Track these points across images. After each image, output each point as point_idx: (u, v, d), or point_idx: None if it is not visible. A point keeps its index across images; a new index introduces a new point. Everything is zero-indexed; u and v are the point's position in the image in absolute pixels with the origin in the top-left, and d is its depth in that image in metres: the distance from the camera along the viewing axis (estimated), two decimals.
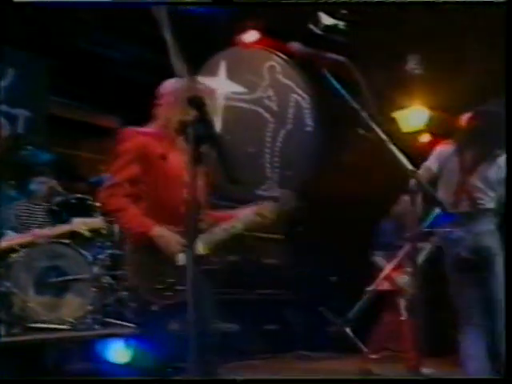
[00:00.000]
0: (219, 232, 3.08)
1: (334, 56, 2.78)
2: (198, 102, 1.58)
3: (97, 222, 5.00)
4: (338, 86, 2.70)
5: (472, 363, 3.94)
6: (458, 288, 4.09)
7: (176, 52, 1.71)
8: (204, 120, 1.57)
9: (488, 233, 4.08)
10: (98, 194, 3.08)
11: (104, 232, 5.70)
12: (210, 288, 3.06)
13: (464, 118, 4.40)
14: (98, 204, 3.79)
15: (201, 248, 2.89)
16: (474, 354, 3.95)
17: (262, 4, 7.26)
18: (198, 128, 1.55)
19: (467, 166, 4.18)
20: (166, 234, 2.90)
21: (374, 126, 2.68)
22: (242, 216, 3.25)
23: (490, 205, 4.11)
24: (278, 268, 7.97)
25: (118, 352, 5.71)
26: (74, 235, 5.18)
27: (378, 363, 6.09)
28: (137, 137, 3.09)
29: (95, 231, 5.19)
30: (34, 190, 5.61)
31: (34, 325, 5.03)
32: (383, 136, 2.68)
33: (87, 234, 5.06)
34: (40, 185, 5.64)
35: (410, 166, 2.68)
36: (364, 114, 2.67)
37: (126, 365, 5.68)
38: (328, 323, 7.78)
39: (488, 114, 4.27)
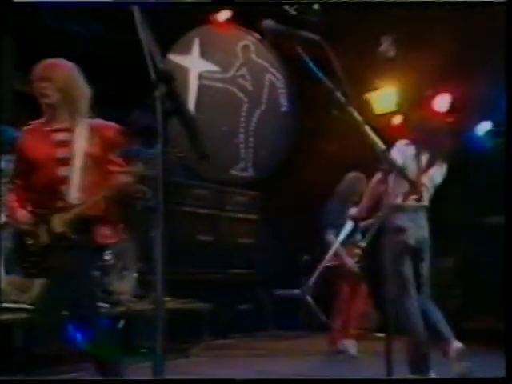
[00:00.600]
0: (76, 209, 3.16)
1: (308, 34, 2.73)
2: (166, 76, 1.52)
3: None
4: (312, 65, 2.66)
5: (415, 325, 4.46)
6: (397, 267, 4.51)
7: (145, 29, 1.65)
8: (173, 94, 1.52)
9: (426, 226, 4.68)
10: None
11: None
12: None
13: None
14: None
15: (56, 226, 3.13)
16: (414, 318, 4.49)
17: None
18: (166, 103, 1.50)
19: (423, 166, 4.64)
20: (25, 218, 3.17)
21: (347, 106, 2.65)
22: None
23: (426, 203, 4.69)
24: (251, 248, 7.95)
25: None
26: None
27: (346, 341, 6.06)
28: (18, 139, 3.39)
29: None
30: (2, 169, 5.49)
31: (4, 305, 4.93)
32: (356, 116, 2.65)
33: None
34: (9, 163, 5.51)
35: (382, 146, 2.65)
36: (337, 94, 2.64)
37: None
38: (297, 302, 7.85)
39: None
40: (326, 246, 6.21)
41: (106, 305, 5.53)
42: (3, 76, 6.68)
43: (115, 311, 5.62)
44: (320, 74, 2.62)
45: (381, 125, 7.65)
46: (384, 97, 8.41)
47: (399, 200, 4.63)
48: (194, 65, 7.58)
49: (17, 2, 3.07)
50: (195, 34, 7.65)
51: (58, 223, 3.14)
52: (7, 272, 5.06)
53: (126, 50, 6.90)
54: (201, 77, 7.64)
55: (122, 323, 5.83)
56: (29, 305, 5.05)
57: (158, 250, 1.75)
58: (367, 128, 2.63)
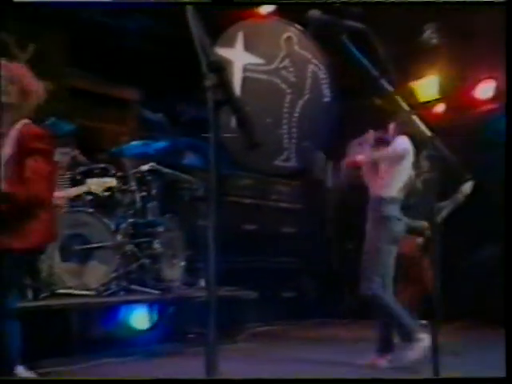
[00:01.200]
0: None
1: (353, 23, 2.71)
2: (217, 67, 1.53)
3: (110, 181, 4.97)
4: (358, 54, 2.64)
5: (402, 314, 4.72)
6: (387, 257, 4.77)
7: (196, 22, 1.66)
8: (223, 84, 1.53)
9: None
10: None
11: (121, 195, 5.77)
12: None
13: None
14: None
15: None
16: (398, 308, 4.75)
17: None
18: (217, 93, 1.51)
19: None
20: None
21: (394, 94, 2.62)
22: None
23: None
24: (295, 237, 7.95)
25: (141, 318, 5.77)
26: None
27: None
28: None
29: (109, 190, 5.20)
30: (57, 160, 5.60)
31: (60, 290, 5.08)
32: (402, 103, 2.63)
33: (102, 193, 5.06)
34: (63, 155, 5.63)
35: (428, 132, 2.62)
36: (383, 82, 2.61)
37: (148, 330, 5.74)
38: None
39: None
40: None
41: (157, 291, 5.63)
42: (58, 72, 6.80)
43: (166, 298, 5.70)
44: (366, 62, 2.60)
45: (424, 112, 7.67)
46: (427, 85, 8.31)
47: (395, 190, 4.81)
48: (238, 58, 7.58)
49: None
50: (239, 28, 7.64)
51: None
52: (63, 259, 5.18)
53: (175, 44, 7.04)
54: (245, 69, 7.63)
55: (171, 309, 5.91)
56: (82, 290, 5.19)
57: (210, 238, 1.76)
58: (413, 115, 2.61)
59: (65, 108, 6.60)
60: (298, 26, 7.83)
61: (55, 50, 6.82)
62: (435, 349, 2.66)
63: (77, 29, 6.71)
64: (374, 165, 4.94)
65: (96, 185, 4.91)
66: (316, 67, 8.02)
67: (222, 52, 7.51)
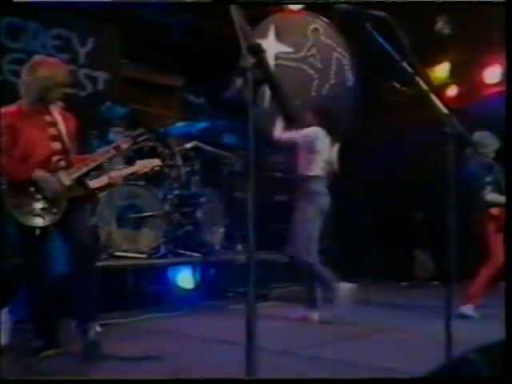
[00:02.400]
0: (75, 170, 3.46)
1: (376, 12, 2.63)
2: (256, 49, 1.48)
3: (155, 162, 4.94)
4: (381, 40, 2.56)
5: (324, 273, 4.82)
6: (313, 226, 4.91)
7: (237, 12, 1.61)
8: (262, 64, 1.48)
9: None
10: None
11: (169, 170, 5.76)
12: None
13: None
14: None
15: (66, 180, 3.39)
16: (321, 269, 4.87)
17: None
18: (256, 73, 1.47)
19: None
20: (42, 175, 3.34)
21: (414, 76, 2.55)
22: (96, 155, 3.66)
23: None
24: None
25: (186, 278, 5.79)
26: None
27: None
28: (6, 119, 3.37)
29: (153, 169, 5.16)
30: (112, 139, 5.61)
31: (116, 253, 5.13)
32: (422, 84, 2.55)
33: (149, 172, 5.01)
34: (117, 134, 5.63)
35: (445, 111, 2.54)
36: (405, 65, 2.53)
37: (192, 289, 5.76)
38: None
39: None
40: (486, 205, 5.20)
41: (200, 255, 5.64)
42: (113, 64, 6.81)
43: (207, 260, 5.72)
44: (388, 47, 2.52)
45: (438, 95, 7.51)
46: (440, 70, 8.16)
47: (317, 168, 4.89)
48: (270, 47, 7.50)
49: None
50: (271, 21, 7.58)
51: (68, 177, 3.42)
52: (119, 226, 5.22)
53: (213, 36, 6.99)
54: (276, 57, 7.57)
55: (212, 271, 5.93)
56: (135, 253, 5.23)
57: (249, 208, 1.72)
58: (432, 95, 2.53)
59: (119, 94, 6.64)
60: (324, 19, 7.73)
61: (111, 44, 6.82)
62: (449, 308, 2.57)
63: (129, 25, 6.68)
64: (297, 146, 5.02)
65: (143, 166, 4.86)
66: (340, 55, 7.89)
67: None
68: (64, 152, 3.48)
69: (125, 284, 5.09)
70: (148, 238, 5.33)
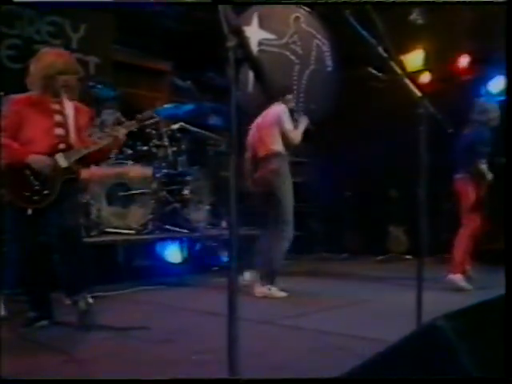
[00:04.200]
0: (75, 152, 3.40)
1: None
2: (237, 30, 1.45)
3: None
4: (358, 27, 2.53)
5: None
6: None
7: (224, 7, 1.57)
8: (243, 45, 1.45)
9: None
10: None
11: (156, 150, 5.70)
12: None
13: None
14: None
15: (62, 162, 3.34)
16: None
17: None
18: (238, 53, 1.43)
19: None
20: (38, 157, 3.30)
21: (389, 60, 2.52)
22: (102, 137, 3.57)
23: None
24: (304, 185, 7.90)
25: (173, 253, 5.77)
26: None
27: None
28: (14, 105, 3.37)
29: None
30: (104, 120, 5.55)
31: (107, 229, 5.09)
32: (396, 68, 2.52)
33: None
34: (108, 115, 5.56)
35: (418, 93, 2.53)
36: (380, 49, 2.51)
37: (180, 263, 5.75)
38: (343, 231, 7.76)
39: None
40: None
41: (186, 231, 5.61)
42: (104, 48, 6.71)
43: (193, 236, 5.69)
44: (365, 34, 2.49)
45: (412, 81, 7.51)
46: (413, 57, 8.16)
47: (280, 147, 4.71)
48: (254, 34, 7.44)
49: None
50: (255, 9, 7.52)
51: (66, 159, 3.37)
52: (109, 204, 5.17)
53: (201, 23, 6.88)
54: (260, 44, 7.52)
55: (198, 246, 5.91)
56: (125, 229, 5.18)
57: (232, 186, 1.70)
58: (406, 79, 2.51)
59: (109, 78, 6.55)
60: (305, 8, 7.69)
61: (102, 30, 6.71)
62: (420, 282, 2.59)
63: (120, 11, 6.56)
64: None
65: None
66: (320, 42, 7.86)
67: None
68: (66, 138, 3.42)
69: (115, 259, 5.07)
70: (137, 214, 5.28)
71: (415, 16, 8.03)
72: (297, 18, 7.79)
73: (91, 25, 6.57)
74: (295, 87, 7.65)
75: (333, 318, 3.86)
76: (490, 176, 4.98)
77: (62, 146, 3.38)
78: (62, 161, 3.34)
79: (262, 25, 7.59)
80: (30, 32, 6.09)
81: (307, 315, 3.91)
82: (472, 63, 7.74)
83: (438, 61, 8.04)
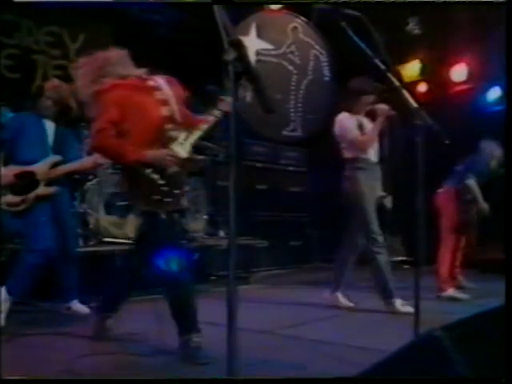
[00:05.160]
0: (192, 135, 2.94)
1: (351, 11, 2.64)
2: (237, 43, 1.47)
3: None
4: (355, 38, 2.57)
5: None
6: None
7: (223, 15, 1.60)
8: (242, 58, 1.47)
9: None
10: (92, 145, 3.00)
11: None
12: None
13: None
14: (92, 150, 3.32)
15: (182, 152, 2.87)
16: None
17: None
18: (237, 66, 1.46)
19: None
20: (156, 153, 2.84)
21: (386, 72, 2.56)
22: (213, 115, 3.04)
23: None
24: (301, 194, 7.93)
25: (171, 262, 5.74)
26: None
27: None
28: (115, 90, 2.94)
29: None
30: None
31: (105, 239, 5.11)
32: (394, 80, 2.56)
33: None
34: None
35: (415, 105, 2.56)
36: (377, 61, 2.54)
37: (177, 272, 5.71)
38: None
39: None
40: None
41: (183, 241, 5.59)
42: None
43: (191, 246, 5.69)
44: (362, 45, 2.53)
45: (409, 91, 7.58)
46: (411, 67, 8.23)
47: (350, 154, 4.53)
48: (252, 44, 7.50)
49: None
50: (253, 19, 7.59)
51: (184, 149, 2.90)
52: (107, 213, 5.18)
53: (199, 33, 6.92)
54: (258, 53, 7.58)
55: (196, 256, 5.90)
56: (123, 239, 5.18)
57: (231, 196, 1.73)
58: (403, 90, 2.54)
59: None
60: (303, 18, 7.76)
61: (100, 40, 6.75)
62: (417, 289, 2.61)
63: (118, 21, 6.62)
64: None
65: None
66: (317, 52, 7.94)
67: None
68: (173, 118, 2.96)
69: (112, 268, 5.05)
70: (134, 224, 5.27)
71: (412, 26, 8.10)
72: (295, 28, 7.87)
73: (89, 35, 6.65)
74: (293, 97, 7.72)
75: (331, 327, 3.88)
76: (478, 194, 4.95)
77: (174, 133, 2.91)
78: (180, 150, 2.88)
79: (260, 35, 7.65)
80: (28, 42, 6.17)
81: (304, 325, 3.91)
82: (469, 73, 7.82)
83: (434, 71, 8.11)
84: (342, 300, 4.57)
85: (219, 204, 6.16)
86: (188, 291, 3.11)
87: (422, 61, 8.21)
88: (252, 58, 7.55)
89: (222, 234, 6.29)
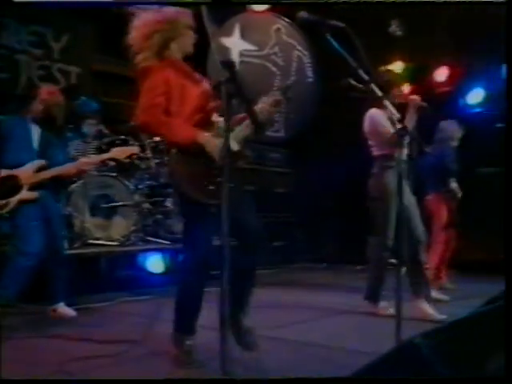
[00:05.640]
0: (243, 129, 2.84)
1: (335, 22, 2.70)
2: (229, 65, 1.55)
3: (132, 149, 4.80)
4: (339, 48, 2.64)
5: None
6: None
7: (212, 23, 1.67)
8: (234, 80, 1.54)
9: None
10: (139, 121, 2.75)
11: (139, 161, 5.75)
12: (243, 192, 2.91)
13: None
14: (140, 127, 2.93)
15: (233, 145, 2.69)
16: None
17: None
18: (229, 87, 1.53)
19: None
20: (210, 138, 2.68)
21: (368, 81, 2.64)
22: (259, 109, 2.84)
23: None
24: (285, 195, 8.01)
25: (156, 264, 5.81)
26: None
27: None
28: (160, 71, 2.80)
29: (130, 157, 5.01)
30: (85, 132, 5.59)
31: (90, 241, 5.13)
32: (377, 91, 2.64)
33: (125, 160, 4.79)
34: (90, 126, 5.60)
35: (398, 115, 2.65)
36: (360, 71, 2.62)
37: (161, 274, 5.79)
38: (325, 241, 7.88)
39: None
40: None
41: (168, 242, 5.67)
42: (85, 58, 6.77)
43: (175, 247, 5.74)
44: (347, 56, 2.60)
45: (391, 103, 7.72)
46: (394, 69, 8.33)
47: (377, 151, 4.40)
48: (235, 45, 7.57)
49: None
50: (236, 20, 7.64)
51: (235, 141, 2.78)
52: (92, 215, 5.21)
53: None
54: (241, 54, 7.64)
55: (180, 257, 5.95)
56: (108, 241, 5.23)
57: (224, 197, 1.79)
58: (385, 101, 2.64)
59: (90, 86, 6.60)
60: (286, 19, 7.82)
61: (83, 40, 6.79)
62: (398, 287, 2.66)
63: (101, 19, 6.58)
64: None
65: (119, 152, 4.73)
66: (300, 53, 8.01)
67: (223, 40, 7.48)
68: (217, 109, 2.78)
69: (98, 270, 5.11)
70: (119, 226, 5.33)
71: (394, 28, 8.21)
72: (278, 29, 7.93)
73: (73, 34, 6.64)
74: None
75: (314, 328, 3.93)
76: (459, 194, 5.25)
77: (219, 119, 2.74)
78: (233, 142, 2.68)
79: (244, 36, 7.70)
80: (11, 41, 6.13)
81: (288, 326, 3.96)
82: (450, 75, 7.96)
83: (416, 73, 8.23)
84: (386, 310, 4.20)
85: None
86: (200, 290, 2.84)
87: (404, 62, 8.32)
88: (235, 59, 7.62)
89: None
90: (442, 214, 5.31)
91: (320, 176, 7.90)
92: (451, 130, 5.39)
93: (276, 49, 7.90)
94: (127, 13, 6.85)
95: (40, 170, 3.93)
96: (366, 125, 4.44)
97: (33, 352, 3.20)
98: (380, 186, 4.26)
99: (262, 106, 2.86)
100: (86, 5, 5.52)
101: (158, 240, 5.66)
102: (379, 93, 2.62)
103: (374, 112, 4.37)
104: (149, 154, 5.79)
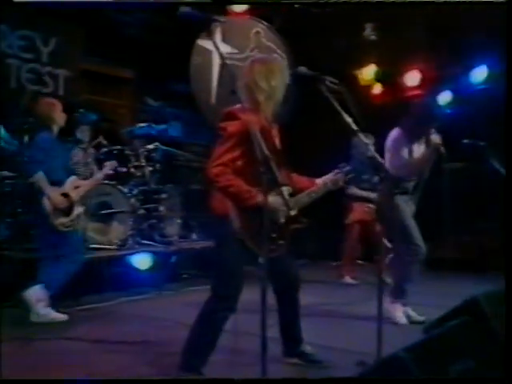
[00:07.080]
0: (305, 196, 3.17)
1: (333, 80, 3.21)
2: None
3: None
4: (336, 105, 3.03)
5: None
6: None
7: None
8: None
9: None
10: (210, 172, 2.85)
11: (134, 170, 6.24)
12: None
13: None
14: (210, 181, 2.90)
15: (294, 210, 2.98)
16: None
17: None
18: None
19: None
20: (270, 200, 2.71)
21: (357, 131, 3.15)
22: (322, 183, 3.30)
23: None
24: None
25: (142, 261, 6.27)
26: None
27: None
28: (241, 118, 2.90)
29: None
30: (80, 138, 5.94)
31: (90, 245, 5.57)
32: (362, 137, 3.15)
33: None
34: (84, 133, 5.93)
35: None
36: (349, 120, 3.11)
37: (156, 274, 6.20)
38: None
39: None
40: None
41: (162, 245, 6.20)
42: (73, 61, 7.09)
43: (169, 250, 6.25)
44: (341, 111, 3.10)
45: (365, 94, 8.29)
46: (367, 71, 8.92)
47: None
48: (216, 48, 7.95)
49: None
50: (217, 23, 8.00)
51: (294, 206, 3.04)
52: (92, 221, 5.66)
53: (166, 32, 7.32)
54: (222, 57, 8.04)
55: (174, 258, 6.47)
56: (108, 245, 5.72)
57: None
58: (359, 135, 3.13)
59: (77, 87, 6.99)
60: (265, 23, 8.28)
61: (71, 43, 7.07)
62: (380, 283, 2.81)
63: (89, 22, 6.91)
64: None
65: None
66: (280, 56, 8.49)
67: (204, 43, 7.94)
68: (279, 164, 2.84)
69: (99, 274, 5.58)
70: (117, 231, 5.83)
71: (369, 31, 8.72)
72: (257, 32, 8.38)
73: (61, 38, 6.93)
74: None
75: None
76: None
77: (287, 189, 3.00)
78: (292, 206, 2.97)
79: (225, 39, 8.14)
80: (1, 46, 6.41)
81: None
82: (422, 78, 8.53)
83: (388, 75, 8.80)
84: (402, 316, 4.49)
85: (192, 208, 6.72)
86: (221, 323, 3.05)
87: (377, 65, 8.89)
88: (216, 61, 8.09)
89: (193, 236, 6.86)
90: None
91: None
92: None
93: (255, 52, 8.33)
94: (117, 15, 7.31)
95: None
96: (388, 141, 4.58)
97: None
98: (390, 204, 4.43)
99: (324, 180, 3.30)
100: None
101: (152, 243, 6.18)
102: (365, 140, 3.15)
103: (399, 134, 4.51)
104: (143, 162, 6.26)
